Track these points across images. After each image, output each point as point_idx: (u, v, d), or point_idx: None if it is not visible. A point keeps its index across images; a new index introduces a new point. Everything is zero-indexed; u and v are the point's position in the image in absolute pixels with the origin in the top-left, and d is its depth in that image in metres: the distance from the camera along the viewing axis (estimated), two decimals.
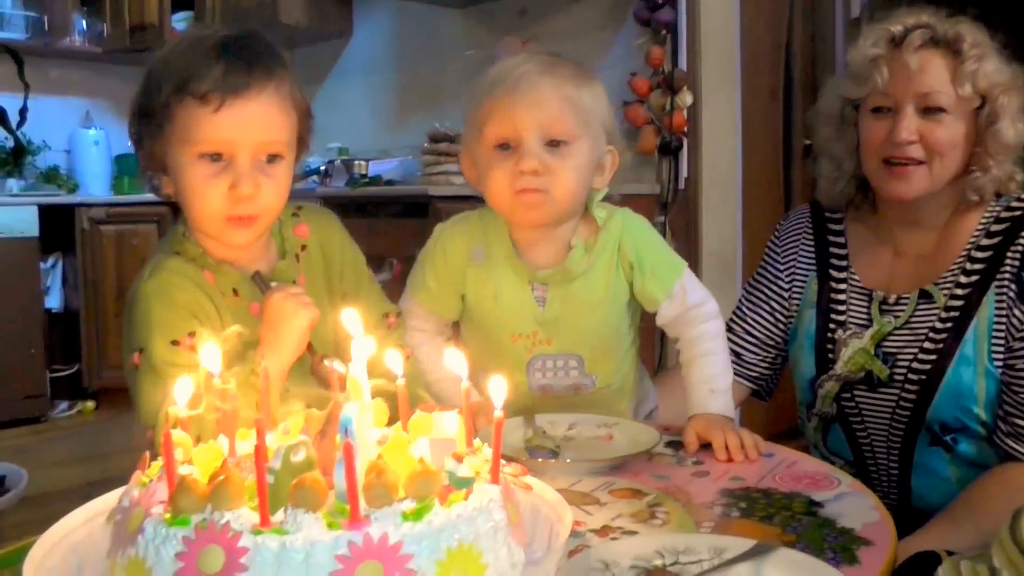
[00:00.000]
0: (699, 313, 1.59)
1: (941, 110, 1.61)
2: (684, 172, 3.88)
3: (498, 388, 0.87)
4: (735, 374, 1.80)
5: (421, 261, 1.68)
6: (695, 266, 3.83)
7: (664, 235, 3.67)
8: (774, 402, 1.99)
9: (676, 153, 3.85)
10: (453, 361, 1.63)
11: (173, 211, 5.29)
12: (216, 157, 1.38)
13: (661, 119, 3.82)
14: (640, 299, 1.62)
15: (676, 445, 1.49)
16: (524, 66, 1.52)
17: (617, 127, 1.61)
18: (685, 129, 3.84)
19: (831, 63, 4.60)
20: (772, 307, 1.86)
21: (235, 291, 1.48)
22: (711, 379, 1.55)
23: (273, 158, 1.42)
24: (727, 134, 4.01)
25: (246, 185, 1.38)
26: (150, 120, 1.42)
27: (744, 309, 1.90)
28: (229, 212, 1.40)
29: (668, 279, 1.59)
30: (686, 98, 3.80)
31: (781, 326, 1.86)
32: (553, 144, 1.50)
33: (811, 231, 1.86)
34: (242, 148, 1.38)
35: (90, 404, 5.28)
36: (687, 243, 3.82)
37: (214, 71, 1.36)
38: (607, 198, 1.62)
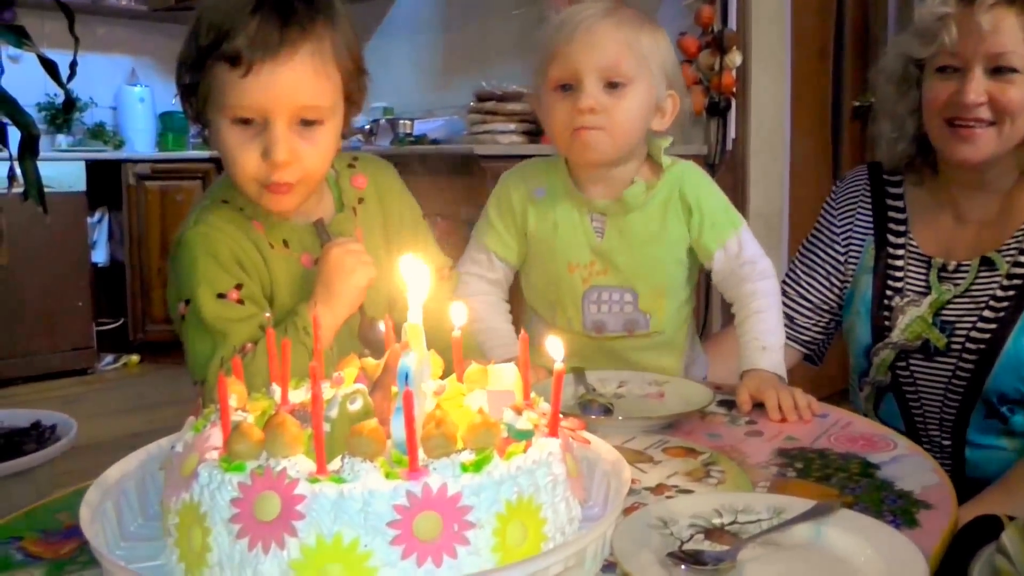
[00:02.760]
0: (753, 270, 1.58)
1: (1013, 70, 1.54)
2: (732, 133, 3.85)
3: (556, 343, 0.85)
4: (787, 338, 1.79)
5: (486, 208, 1.72)
6: None
7: None
8: (822, 366, 1.96)
9: (724, 113, 3.82)
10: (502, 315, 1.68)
11: (217, 167, 5.32)
12: (247, 121, 1.31)
13: (710, 79, 3.78)
14: (696, 248, 1.63)
15: (729, 404, 1.47)
16: (585, 12, 1.55)
17: (680, 74, 1.64)
18: (734, 89, 3.80)
19: (883, 22, 4.52)
20: (827, 271, 1.83)
21: (285, 242, 1.45)
22: (762, 335, 1.54)
23: (311, 122, 1.34)
24: (776, 95, 3.96)
25: (280, 152, 1.30)
26: (191, 75, 1.36)
27: (798, 272, 1.86)
28: (264, 178, 1.33)
29: (724, 231, 1.61)
30: (735, 58, 3.75)
31: (836, 291, 1.83)
32: (611, 85, 1.53)
33: (869, 195, 1.81)
34: (276, 113, 1.30)
35: (135, 357, 5.36)
36: (734, 204, 3.76)
37: (247, 29, 1.27)
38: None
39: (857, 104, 4.47)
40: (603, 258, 1.62)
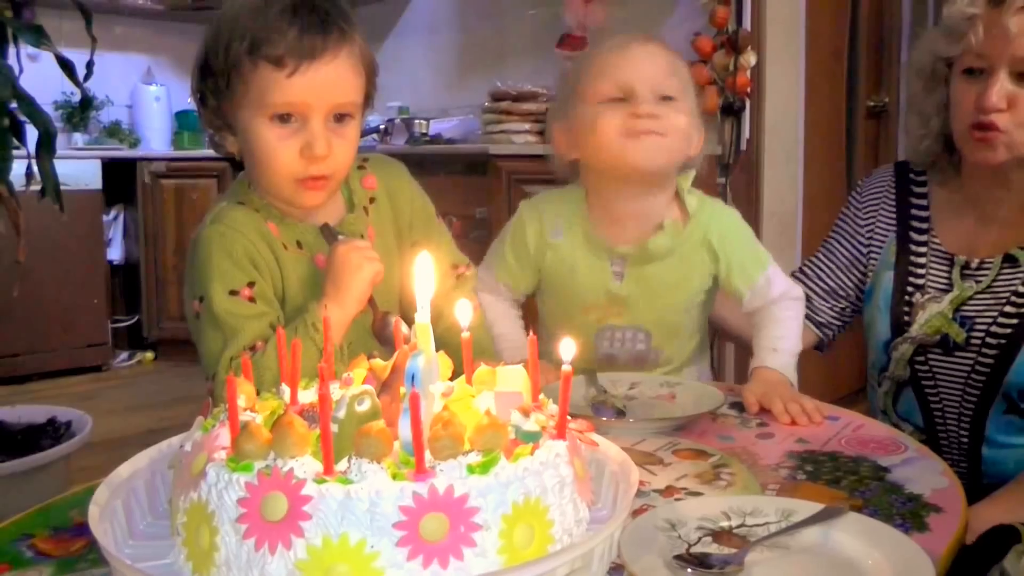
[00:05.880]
0: (778, 296, 1.63)
1: None
2: (746, 133, 3.83)
3: (567, 345, 0.85)
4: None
5: (503, 237, 1.75)
6: (756, 227, 3.79)
7: (725, 196, 3.64)
8: (835, 366, 1.95)
9: (739, 114, 3.80)
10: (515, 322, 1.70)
11: (233, 166, 5.31)
12: (286, 119, 1.38)
13: (724, 79, 3.76)
14: (725, 289, 1.66)
15: (740, 406, 1.47)
16: (631, 36, 1.62)
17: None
18: (748, 90, 3.78)
19: (898, 23, 4.50)
20: (847, 259, 1.83)
21: (299, 243, 1.48)
22: (776, 339, 1.58)
23: (343, 117, 1.41)
24: (790, 95, 3.94)
25: (320, 146, 1.37)
26: (216, 79, 1.40)
27: (818, 258, 1.88)
28: (302, 173, 1.40)
29: (752, 273, 1.63)
30: (750, 58, 3.74)
31: (854, 279, 1.82)
32: (663, 99, 1.56)
33: (893, 192, 1.80)
34: (315, 110, 1.37)
35: (149, 354, 5.39)
36: (748, 204, 3.76)
37: (288, 34, 1.34)
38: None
39: (871, 104, 4.46)
40: (619, 302, 1.65)
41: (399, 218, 1.59)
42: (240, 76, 1.37)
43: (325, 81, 1.37)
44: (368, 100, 1.49)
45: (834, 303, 1.85)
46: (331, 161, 1.40)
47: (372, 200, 1.57)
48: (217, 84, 1.41)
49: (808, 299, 1.83)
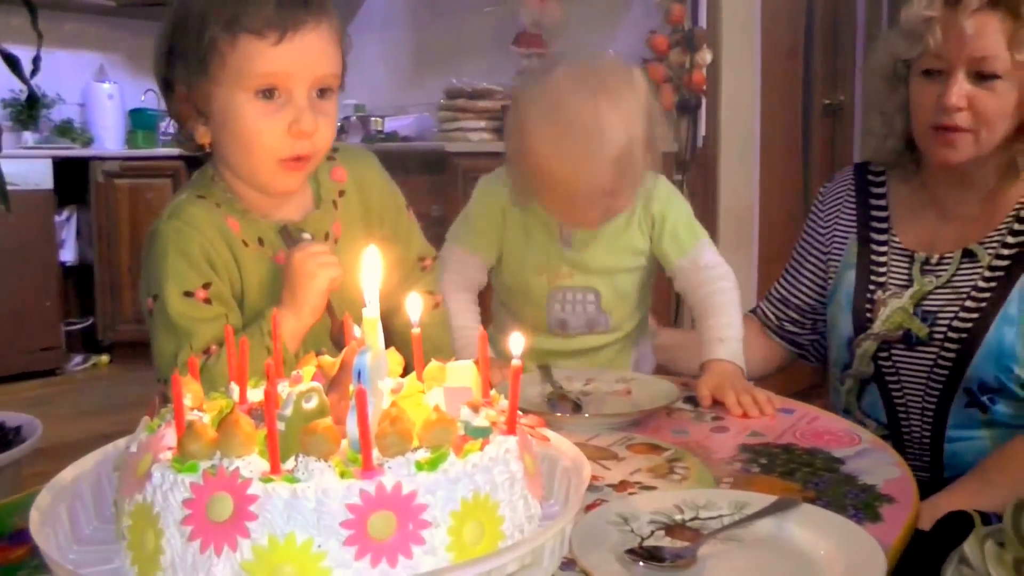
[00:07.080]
0: (710, 275, 1.67)
1: (995, 76, 1.54)
2: (702, 130, 3.86)
3: (517, 339, 0.84)
4: (778, 335, 1.89)
5: (465, 211, 1.78)
6: (712, 224, 3.81)
7: (682, 193, 3.65)
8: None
9: (694, 111, 3.82)
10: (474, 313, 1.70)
11: (188, 165, 5.27)
12: (270, 94, 1.34)
13: (680, 77, 3.78)
14: (657, 256, 1.71)
15: (695, 400, 1.47)
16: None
17: None
18: (704, 87, 3.80)
19: (852, 22, 4.55)
20: (812, 274, 1.85)
21: (260, 240, 1.44)
22: (719, 328, 1.61)
23: (324, 92, 1.39)
24: (746, 92, 3.97)
25: (307, 121, 1.34)
26: (187, 61, 1.35)
27: (787, 278, 1.90)
28: (286, 152, 1.36)
29: (686, 242, 1.69)
30: (705, 56, 3.76)
31: (821, 292, 1.85)
32: None
33: (853, 193, 1.82)
34: (300, 82, 1.35)
35: (104, 357, 5.30)
36: (704, 201, 3.79)
37: (267, 7, 1.31)
38: None
39: (827, 102, 4.50)
40: (569, 263, 1.70)
41: (369, 212, 1.56)
42: (216, 53, 1.33)
43: (309, 50, 1.34)
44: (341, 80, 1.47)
45: (804, 321, 1.88)
46: (317, 138, 1.37)
47: (341, 193, 1.54)
48: (188, 66, 1.36)
49: (781, 325, 1.88)
